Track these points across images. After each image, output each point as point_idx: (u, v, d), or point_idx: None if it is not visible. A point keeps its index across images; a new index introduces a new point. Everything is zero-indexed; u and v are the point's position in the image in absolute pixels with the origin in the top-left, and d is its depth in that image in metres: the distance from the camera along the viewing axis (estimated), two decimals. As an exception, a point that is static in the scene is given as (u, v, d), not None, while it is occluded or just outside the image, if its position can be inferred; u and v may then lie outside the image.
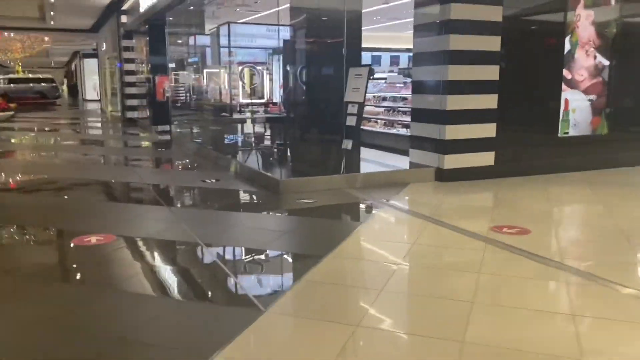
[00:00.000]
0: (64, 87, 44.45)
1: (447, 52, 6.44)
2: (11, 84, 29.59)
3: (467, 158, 6.78)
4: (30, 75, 32.87)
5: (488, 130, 6.82)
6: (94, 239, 4.42)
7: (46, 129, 16.52)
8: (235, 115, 8.64)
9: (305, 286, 3.41)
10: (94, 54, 28.30)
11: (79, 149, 11.61)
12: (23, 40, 28.96)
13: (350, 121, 7.20)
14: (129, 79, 17.83)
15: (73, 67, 42.44)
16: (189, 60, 11.65)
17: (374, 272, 3.70)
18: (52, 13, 18.45)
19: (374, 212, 5.69)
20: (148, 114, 15.93)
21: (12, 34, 27.25)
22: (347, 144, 7.22)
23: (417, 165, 7.31)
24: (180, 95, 12.12)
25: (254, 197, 6.52)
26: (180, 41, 12.54)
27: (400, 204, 5.92)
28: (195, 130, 10.83)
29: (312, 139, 7.60)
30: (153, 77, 14.35)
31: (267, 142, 8.93)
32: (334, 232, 4.82)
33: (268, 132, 8.73)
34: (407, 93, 9.30)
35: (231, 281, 3.64)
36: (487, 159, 6.88)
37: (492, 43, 6.61)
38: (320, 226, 5.10)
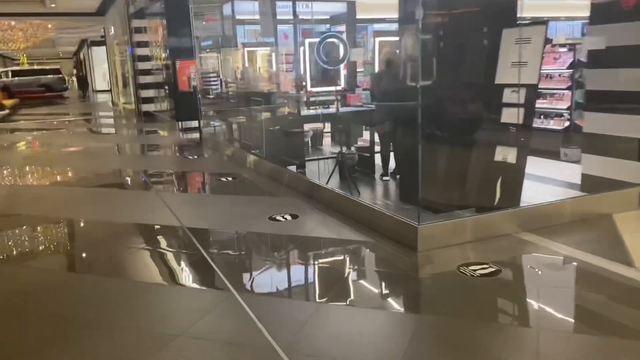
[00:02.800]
0: (74, 78, 41.95)
1: None
2: (14, 77, 27.00)
3: None
4: (35, 67, 30.30)
5: None
6: None
7: (45, 130, 13.90)
8: (305, 111, 5.90)
9: None
10: (102, 42, 25.60)
11: (79, 161, 8.94)
12: (25, 29, 26.34)
13: (509, 116, 4.43)
14: (143, 65, 15.12)
15: (82, 56, 39.89)
16: (226, 37, 8.87)
17: None
18: (51, -7, 15.80)
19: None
20: (168, 106, 13.24)
21: (12, 22, 24.72)
22: (505, 154, 4.45)
23: (598, 180, 4.66)
24: (213, 84, 9.43)
25: (380, 264, 3.83)
26: (211, 14, 9.75)
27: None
28: (236, 130, 8.12)
29: (435, 143, 4.81)
30: (173, 63, 11.62)
31: (348, 148, 6.18)
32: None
33: (349, 134, 6.00)
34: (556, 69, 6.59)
35: None
36: None
37: None
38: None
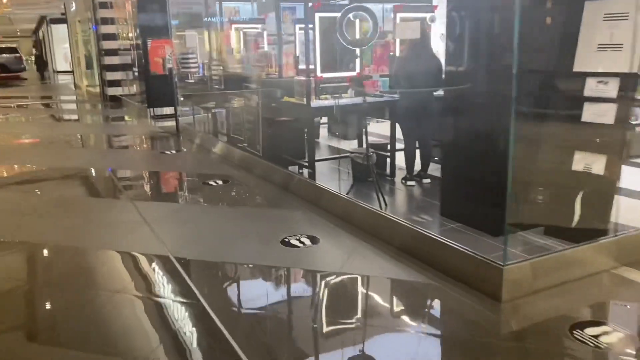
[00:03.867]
0: (33, 58, 39.44)
1: None
2: (-36, 57, 24.90)
3: None
4: (-12, 45, 28.12)
5: None
6: None
7: None
8: (316, 101, 4.79)
9: None
10: (63, 19, 23.70)
11: (34, 156, 7.66)
12: (-23, 4, 24.23)
13: (594, 114, 3.45)
14: (109, 45, 13.69)
15: (41, 35, 37.48)
16: (210, 13, 7.62)
17: None
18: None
19: None
20: (137, 90, 11.91)
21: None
22: (589, 162, 3.48)
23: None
24: (193, 66, 8.21)
25: (454, 324, 2.79)
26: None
27: None
28: (222, 121, 6.97)
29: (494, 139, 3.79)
30: (144, 42, 10.31)
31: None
32: None
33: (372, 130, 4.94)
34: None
35: None
36: None
37: None
38: None
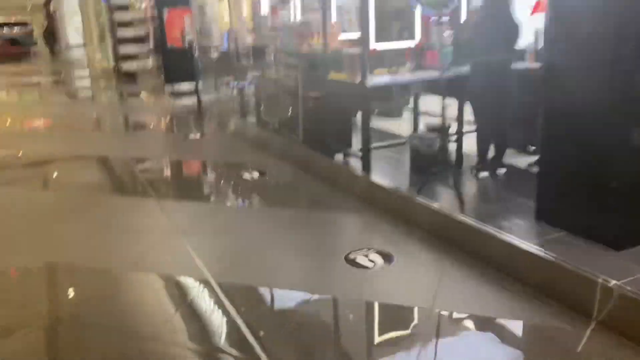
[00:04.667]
0: (43, 32, 38.64)
1: None
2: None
3: None
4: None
5: None
6: None
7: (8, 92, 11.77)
8: (374, 76, 4.00)
9: None
10: (73, -10, 22.82)
11: (45, 143, 6.99)
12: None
13: None
14: (122, 16, 12.88)
15: (51, 7, 36.62)
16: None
17: None
18: None
19: None
20: (153, 64, 11.14)
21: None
22: None
23: None
24: (216, 38, 7.40)
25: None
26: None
27: None
28: (253, 101, 6.21)
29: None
30: (159, 12, 9.52)
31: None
32: None
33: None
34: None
35: None
36: None
37: None
38: None
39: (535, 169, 3.53)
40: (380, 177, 3.93)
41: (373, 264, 2.87)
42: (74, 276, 2.98)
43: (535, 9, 4.19)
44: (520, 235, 2.86)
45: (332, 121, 4.66)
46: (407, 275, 2.76)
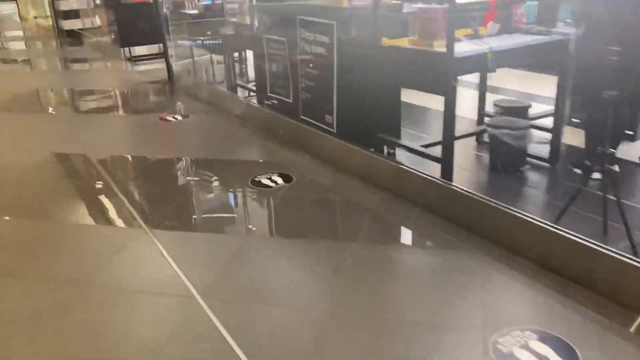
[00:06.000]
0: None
1: None
2: None
3: None
4: None
5: None
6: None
7: None
8: (462, 44, 2.74)
9: None
10: None
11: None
12: None
13: None
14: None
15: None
16: None
17: None
18: None
19: None
20: (101, 23, 9.39)
21: None
22: None
23: None
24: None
25: None
26: None
27: None
28: (255, 71, 4.81)
29: None
30: (109, -42, 7.83)
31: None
32: None
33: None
34: None
35: None
36: None
37: None
38: None
39: None
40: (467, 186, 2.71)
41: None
42: None
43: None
44: None
45: (386, 107, 3.38)
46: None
